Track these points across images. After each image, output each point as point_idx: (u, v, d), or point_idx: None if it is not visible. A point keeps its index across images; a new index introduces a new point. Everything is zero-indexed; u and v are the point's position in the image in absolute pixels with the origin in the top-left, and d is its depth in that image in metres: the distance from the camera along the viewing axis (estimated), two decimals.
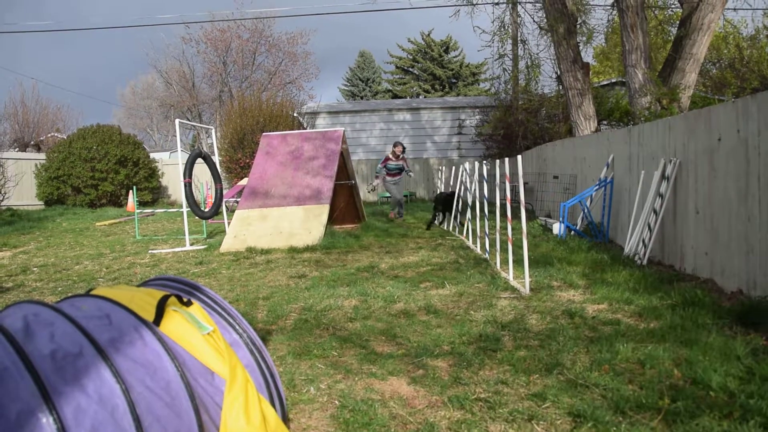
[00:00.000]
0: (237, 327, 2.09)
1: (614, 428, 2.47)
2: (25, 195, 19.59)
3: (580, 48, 11.99)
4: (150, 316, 1.85)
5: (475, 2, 13.98)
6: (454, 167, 10.36)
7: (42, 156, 20.63)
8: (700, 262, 5.46)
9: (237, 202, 14.48)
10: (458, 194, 10.13)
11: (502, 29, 14.20)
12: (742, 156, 4.70)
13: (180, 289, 2.16)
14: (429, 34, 42.81)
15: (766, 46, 15.22)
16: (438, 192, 13.12)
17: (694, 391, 2.78)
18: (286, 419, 2.21)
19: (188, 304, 1.98)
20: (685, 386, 2.86)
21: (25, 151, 25.41)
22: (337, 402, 2.93)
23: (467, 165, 8.70)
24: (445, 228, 10.83)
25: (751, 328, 3.77)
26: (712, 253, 5.24)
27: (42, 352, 1.55)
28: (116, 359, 1.64)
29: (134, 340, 1.73)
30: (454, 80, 42.53)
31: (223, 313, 2.11)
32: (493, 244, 6.92)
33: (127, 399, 1.57)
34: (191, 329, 1.88)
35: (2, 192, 16.48)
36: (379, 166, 12.96)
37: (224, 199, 11.59)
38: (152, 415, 1.62)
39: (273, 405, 2.06)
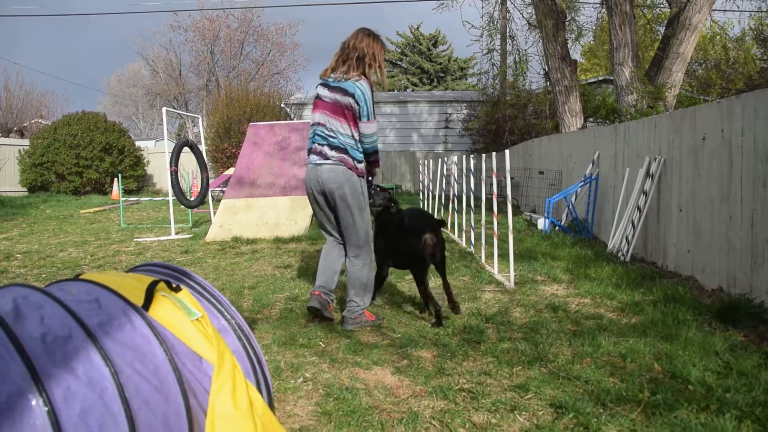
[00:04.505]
0: (225, 313, 2.10)
1: (595, 420, 2.52)
2: (8, 181, 19.39)
3: (569, 45, 12.06)
4: (139, 301, 1.85)
5: None
6: (440, 160, 10.31)
7: (26, 142, 20.40)
8: (683, 259, 5.54)
9: (223, 191, 14.43)
10: None
11: (491, 24, 14.26)
12: (726, 156, 4.77)
13: (169, 275, 2.17)
14: (418, 28, 42.71)
15: (752, 48, 15.38)
16: None
17: (673, 385, 2.84)
18: (272, 406, 2.22)
19: (177, 289, 1.98)
20: (664, 380, 2.92)
21: (8, 137, 25.11)
22: (321, 390, 2.95)
23: (455, 158, 8.72)
24: None
25: (730, 324, 3.85)
26: (694, 251, 5.31)
27: (32, 334, 1.55)
28: (105, 343, 1.65)
29: (123, 324, 1.74)
30: (442, 74, 42.50)
31: (211, 299, 2.11)
32: (478, 238, 6.96)
33: (116, 382, 1.58)
34: (180, 314, 1.88)
35: None
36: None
37: (210, 189, 11.54)
38: (141, 399, 1.63)
39: (260, 391, 2.07)
